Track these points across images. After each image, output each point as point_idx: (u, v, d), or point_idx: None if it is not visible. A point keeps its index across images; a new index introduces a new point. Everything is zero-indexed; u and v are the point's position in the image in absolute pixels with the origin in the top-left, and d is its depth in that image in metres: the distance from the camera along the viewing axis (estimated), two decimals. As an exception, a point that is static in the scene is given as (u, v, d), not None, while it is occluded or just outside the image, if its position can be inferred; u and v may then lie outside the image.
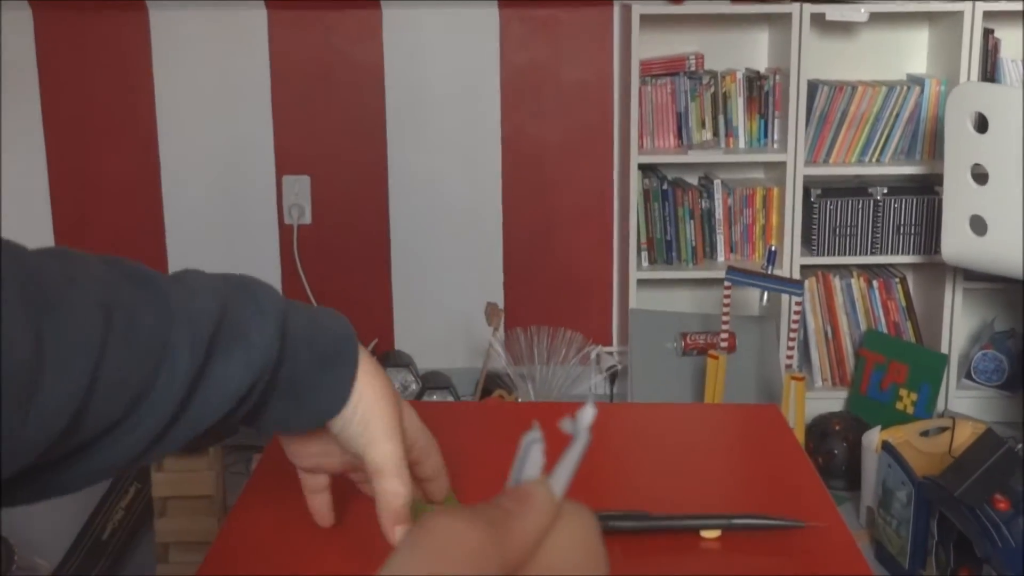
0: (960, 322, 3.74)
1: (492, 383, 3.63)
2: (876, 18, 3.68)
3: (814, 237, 3.74)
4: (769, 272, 3.26)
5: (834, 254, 3.76)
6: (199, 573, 0.79)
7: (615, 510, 0.83)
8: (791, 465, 0.94)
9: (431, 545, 0.42)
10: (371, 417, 0.87)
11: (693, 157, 3.73)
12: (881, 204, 3.72)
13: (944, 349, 3.68)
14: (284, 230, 4.01)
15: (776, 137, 3.74)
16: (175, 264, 3.97)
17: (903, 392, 3.59)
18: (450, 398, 3.67)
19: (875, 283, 3.84)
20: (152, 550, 2.92)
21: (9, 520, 3.13)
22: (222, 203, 4.00)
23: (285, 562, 0.83)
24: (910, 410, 3.55)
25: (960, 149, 3.13)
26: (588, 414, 0.49)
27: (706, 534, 0.82)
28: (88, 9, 3.86)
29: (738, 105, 3.75)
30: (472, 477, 0.95)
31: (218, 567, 0.81)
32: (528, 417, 0.93)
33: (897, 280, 3.85)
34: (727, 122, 3.76)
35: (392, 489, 0.84)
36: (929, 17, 3.81)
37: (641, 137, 3.71)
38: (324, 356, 0.87)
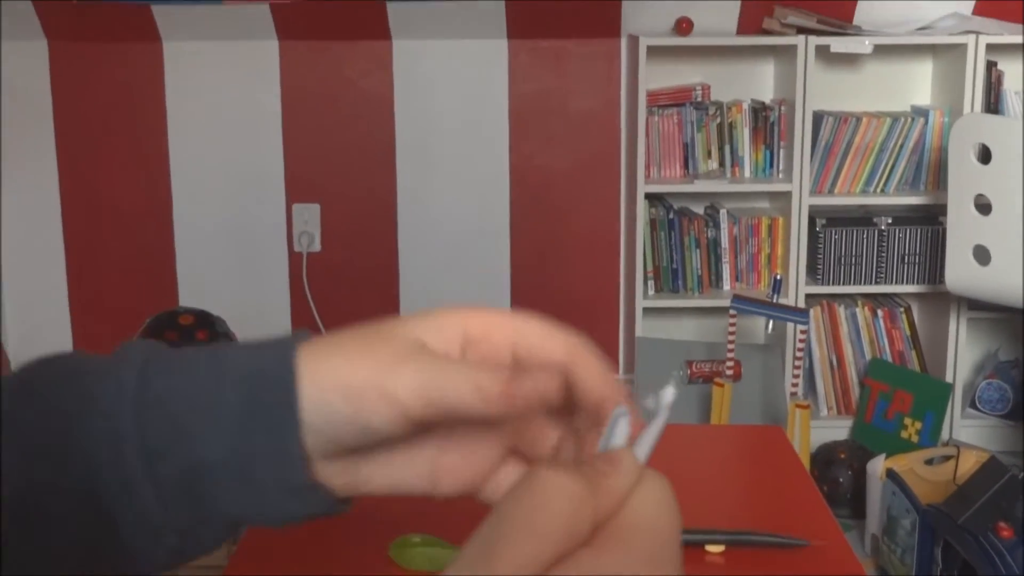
0: (965, 351, 3.74)
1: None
2: (880, 50, 3.70)
3: (819, 266, 3.75)
4: (774, 301, 3.27)
5: (839, 283, 3.76)
6: None
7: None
8: (795, 485, 0.95)
9: (538, 490, 0.47)
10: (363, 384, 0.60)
11: (699, 187, 3.74)
12: (886, 234, 3.72)
13: (949, 378, 3.68)
14: (294, 258, 4.02)
15: (781, 167, 3.75)
16: (185, 292, 4.00)
17: (908, 421, 3.59)
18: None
19: (880, 312, 3.84)
20: None
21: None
22: (233, 231, 4.00)
23: None
24: (915, 439, 3.55)
25: (963, 179, 3.14)
26: (669, 393, 0.53)
27: (711, 549, 0.82)
28: (103, 41, 3.89)
29: (744, 135, 3.75)
30: (473, 506, 0.95)
31: None
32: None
33: (902, 309, 3.84)
34: (733, 152, 3.76)
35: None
36: (933, 49, 3.83)
37: (648, 167, 3.73)
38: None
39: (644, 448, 0.52)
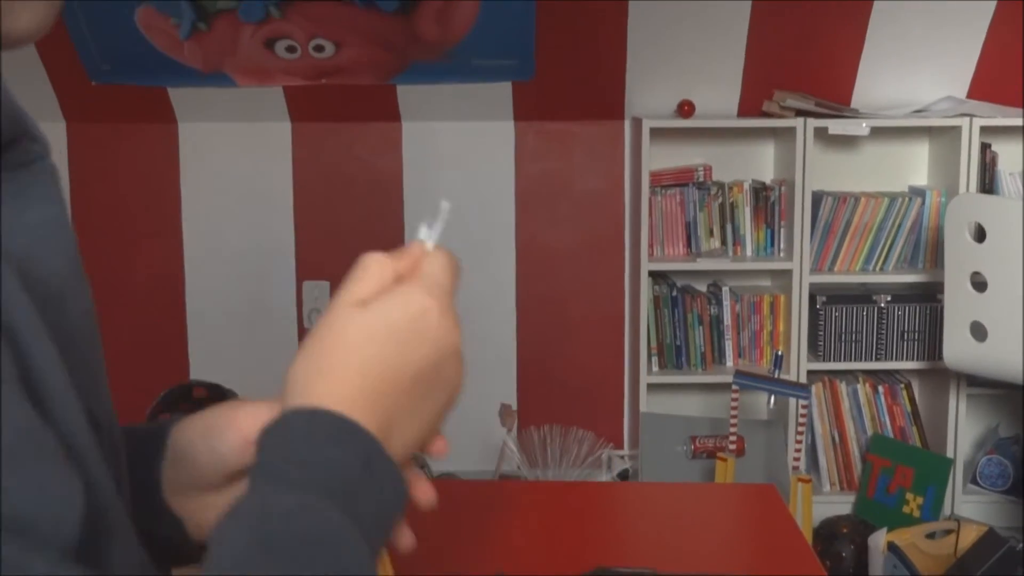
0: (965, 427, 3.73)
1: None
2: (877, 132, 3.74)
3: (820, 343, 3.76)
4: (776, 377, 3.29)
5: (840, 359, 3.77)
6: None
7: (627, 567, 0.88)
8: (785, 537, 0.98)
9: (364, 258, 0.77)
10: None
11: (702, 265, 3.76)
12: (885, 311, 3.75)
13: (950, 454, 3.67)
14: (304, 334, 4.03)
15: (782, 246, 3.78)
16: (196, 366, 4.02)
17: (909, 496, 3.58)
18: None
19: (881, 388, 3.84)
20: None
21: None
22: (244, 307, 4.03)
23: None
24: (916, 513, 3.54)
25: (960, 258, 3.16)
26: (444, 205, 0.81)
27: None
28: (120, 122, 3.96)
29: (745, 215, 3.78)
30: (485, 553, 0.99)
31: None
32: (541, 497, 1.00)
33: (902, 386, 3.85)
34: (735, 231, 3.79)
35: None
36: (929, 132, 3.87)
37: (651, 245, 3.75)
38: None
39: (432, 237, 0.79)
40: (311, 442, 0.68)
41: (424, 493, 0.77)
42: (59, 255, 0.71)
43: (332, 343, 0.72)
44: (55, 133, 3.96)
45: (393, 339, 0.72)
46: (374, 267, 0.75)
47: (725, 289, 3.83)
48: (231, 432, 0.81)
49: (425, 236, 0.78)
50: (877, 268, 3.78)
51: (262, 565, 0.63)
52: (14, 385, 0.58)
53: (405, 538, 0.77)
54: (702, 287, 3.92)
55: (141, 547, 0.73)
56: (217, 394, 2.99)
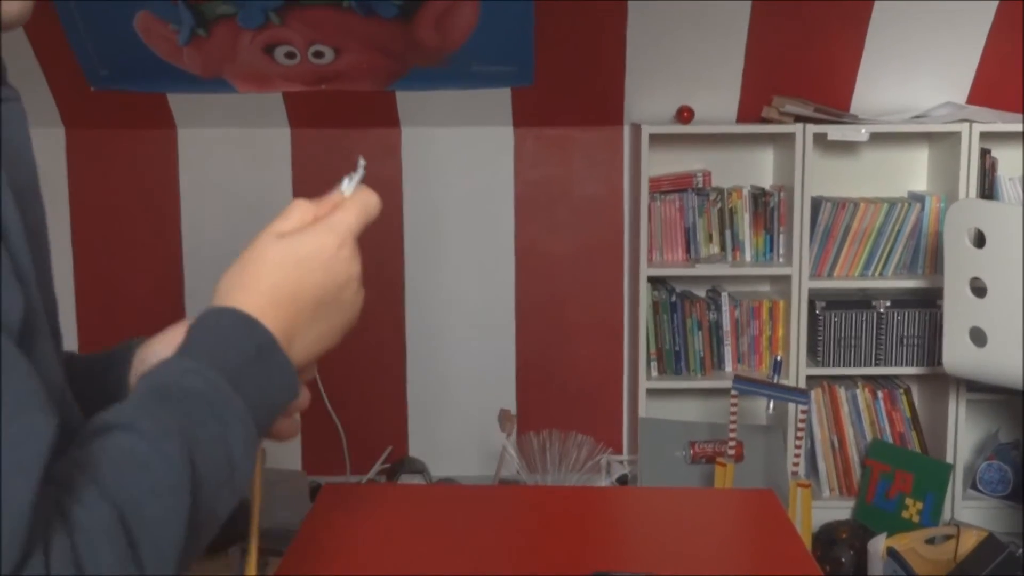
0: (965, 433, 3.73)
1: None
2: (876, 138, 3.74)
3: (819, 348, 3.76)
4: (775, 382, 3.28)
5: (839, 365, 3.77)
6: None
7: (626, 571, 0.88)
8: (784, 542, 0.98)
9: (291, 203, 0.94)
10: None
11: (701, 270, 3.76)
12: (884, 316, 3.74)
13: (949, 459, 3.67)
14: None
15: (781, 251, 3.78)
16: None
17: (909, 501, 3.58)
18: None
19: (880, 394, 3.84)
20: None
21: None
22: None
23: None
24: (916, 519, 3.54)
25: (959, 263, 3.16)
26: (360, 163, 0.95)
27: None
28: (119, 128, 3.96)
29: (744, 220, 3.79)
30: (484, 557, 0.99)
31: None
32: (541, 502, 1.00)
33: (902, 391, 3.85)
34: (734, 236, 3.80)
35: None
36: (928, 137, 3.88)
37: (650, 251, 3.75)
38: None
39: (350, 188, 0.93)
40: (216, 330, 0.85)
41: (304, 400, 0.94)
42: (29, 174, 0.92)
43: (251, 264, 0.90)
44: (54, 139, 3.98)
45: (299, 266, 0.89)
46: (297, 208, 0.92)
47: (724, 294, 3.83)
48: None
49: (345, 187, 0.93)
50: (876, 273, 3.78)
51: (154, 410, 0.77)
52: None
53: (293, 429, 0.96)
54: (701, 292, 3.92)
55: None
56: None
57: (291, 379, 0.86)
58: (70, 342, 4.02)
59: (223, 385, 0.80)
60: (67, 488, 0.69)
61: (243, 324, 0.85)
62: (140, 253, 4.05)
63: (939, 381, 3.73)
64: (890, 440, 3.82)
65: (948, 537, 2.99)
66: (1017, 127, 3.68)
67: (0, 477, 0.63)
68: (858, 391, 3.86)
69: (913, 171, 3.94)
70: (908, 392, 3.86)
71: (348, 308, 0.94)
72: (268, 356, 0.85)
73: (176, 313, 4.04)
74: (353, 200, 0.92)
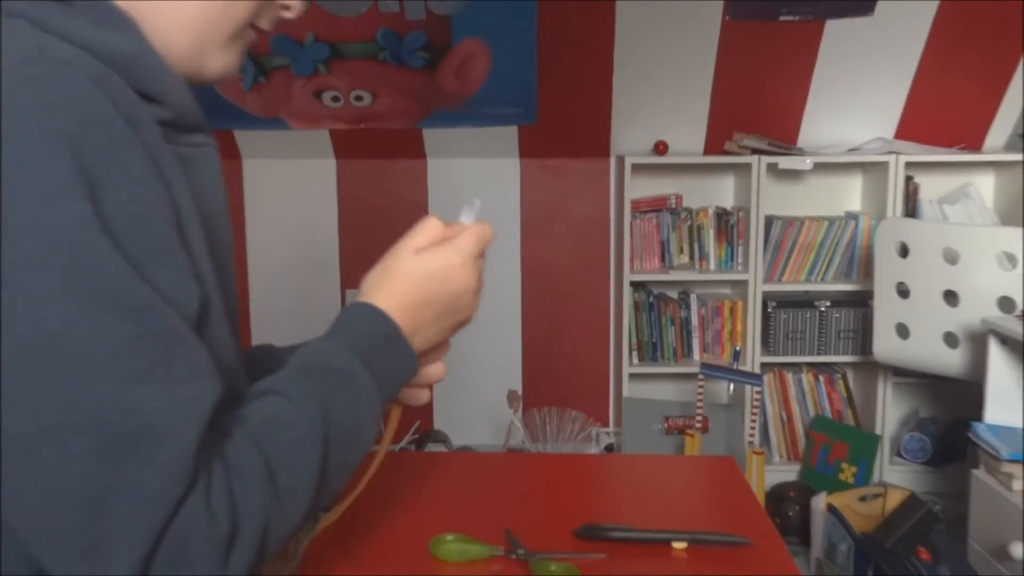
0: (891, 410, 3.73)
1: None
2: (819, 167, 3.74)
3: (771, 340, 3.76)
4: (735, 368, 3.29)
5: (787, 354, 3.76)
6: None
7: (609, 524, 0.88)
8: (741, 500, 0.98)
9: (423, 222, 0.97)
10: None
11: (673, 276, 3.75)
12: (825, 314, 3.74)
13: (878, 431, 3.67)
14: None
15: (740, 260, 3.77)
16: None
17: (845, 466, 3.58)
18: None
19: (821, 378, 3.84)
20: None
21: None
22: (297, 312, 4.02)
23: None
24: (851, 480, 3.54)
25: (887, 270, 3.16)
26: (476, 203, 0.99)
27: (676, 545, 0.86)
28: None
29: (709, 235, 3.78)
30: (495, 511, 0.98)
31: None
32: (541, 467, 1.00)
33: (839, 375, 3.85)
34: (700, 248, 3.78)
35: None
36: (861, 166, 3.87)
37: (632, 260, 3.75)
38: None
39: (471, 218, 0.97)
40: (356, 320, 0.89)
41: (439, 372, 1.01)
42: (217, 203, 0.92)
43: (390, 273, 0.93)
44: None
45: (428, 279, 0.92)
46: (430, 226, 0.95)
47: (692, 296, 3.82)
48: None
49: (466, 218, 0.97)
50: (818, 279, 3.78)
51: (299, 380, 0.81)
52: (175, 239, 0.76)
53: (422, 397, 1.01)
54: (674, 294, 3.91)
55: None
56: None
57: (411, 363, 0.91)
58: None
59: (356, 364, 0.84)
60: (227, 437, 0.73)
61: (377, 317, 0.89)
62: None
63: (870, 367, 3.72)
64: (829, 416, 3.82)
65: (877, 496, 2.98)
66: (936, 158, 3.68)
67: (173, 427, 0.67)
68: (803, 375, 3.85)
69: (849, 194, 3.94)
70: (844, 376, 3.86)
71: (461, 313, 0.97)
72: (394, 343, 0.89)
73: (243, 309, 4.04)
74: (473, 229, 0.95)
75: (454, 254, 0.93)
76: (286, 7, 0.93)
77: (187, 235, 0.78)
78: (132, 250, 0.69)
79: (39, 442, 0.64)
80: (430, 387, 1.03)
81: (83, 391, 0.65)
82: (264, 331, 4.05)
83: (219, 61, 0.89)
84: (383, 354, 0.88)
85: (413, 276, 0.93)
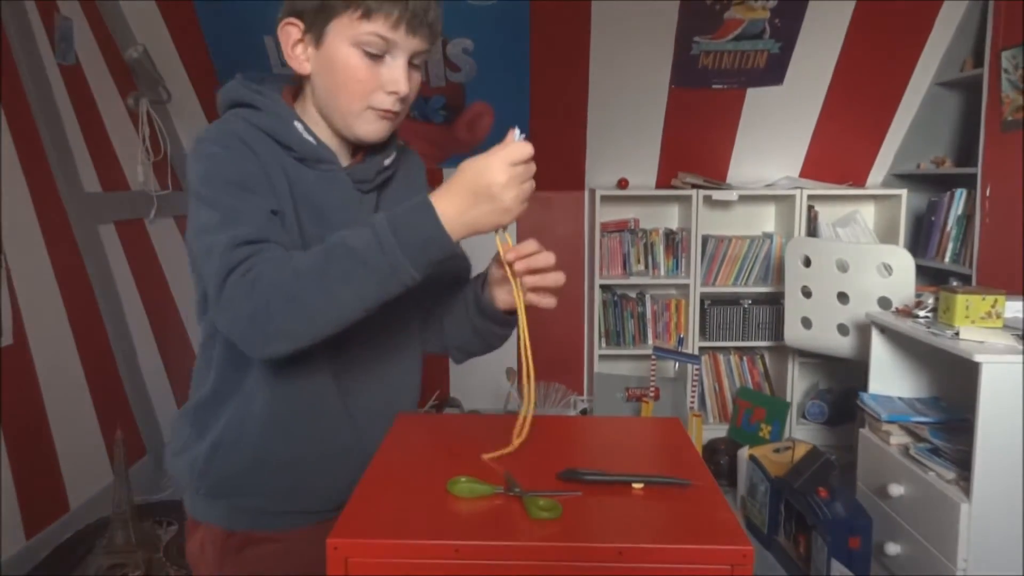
0: (798, 382, 3.74)
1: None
2: (743, 198, 3.76)
3: (707, 329, 3.75)
4: (679, 350, 3.30)
5: (719, 340, 3.76)
6: (331, 536, 0.74)
7: (584, 469, 0.88)
8: (684, 452, 0.98)
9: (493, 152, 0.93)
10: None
11: (633, 280, 3.75)
12: (748, 310, 3.74)
13: (788, 399, 3.68)
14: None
15: (683, 269, 3.76)
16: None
17: (763, 426, 3.58)
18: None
19: (745, 359, 3.84)
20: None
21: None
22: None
23: (391, 530, 0.79)
24: (767, 436, 3.53)
25: (794, 277, 3.17)
26: (518, 132, 0.94)
27: (635, 486, 0.85)
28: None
29: (660, 249, 3.78)
30: (498, 459, 0.98)
31: (344, 532, 0.76)
32: (532, 424, 0.99)
33: (759, 356, 3.85)
34: (653, 259, 3.78)
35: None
36: (775, 198, 3.87)
37: (601, 268, 3.75)
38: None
39: (519, 137, 0.93)
40: (407, 207, 0.91)
41: (559, 279, 1.05)
42: (334, 201, 1.05)
43: (464, 167, 0.92)
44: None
45: (469, 171, 0.91)
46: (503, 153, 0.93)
47: (647, 296, 3.82)
48: None
49: (517, 136, 0.93)
50: (743, 283, 3.77)
51: (322, 249, 0.91)
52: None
53: (549, 302, 1.07)
54: (633, 294, 3.90)
55: None
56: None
57: (440, 231, 0.90)
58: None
59: (386, 228, 0.89)
60: (261, 259, 0.91)
61: (423, 199, 0.91)
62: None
63: (782, 350, 3.73)
64: (751, 387, 3.82)
65: (787, 448, 2.98)
66: (830, 191, 3.68)
67: (220, 247, 0.92)
68: (731, 356, 3.85)
69: (765, 219, 3.94)
70: (762, 357, 3.86)
71: (496, 202, 0.92)
72: (422, 209, 0.90)
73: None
74: (517, 144, 0.93)
75: (491, 155, 0.91)
76: (395, 92, 1.03)
77: (278, 199, 1.00)
78: (234, 184, 0.96)
79: (203, 255, 0.94)
80: (556, 295, 1.04)
81: (207, 238, 0.94)
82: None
83: (360, 126, 1.05)
84: (411, 215, 0.90)
85: (461, 171, 0.92)
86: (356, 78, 1.01)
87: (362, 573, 0.73)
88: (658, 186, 3.87)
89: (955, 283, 2.99)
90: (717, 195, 3.64)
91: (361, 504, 0.79)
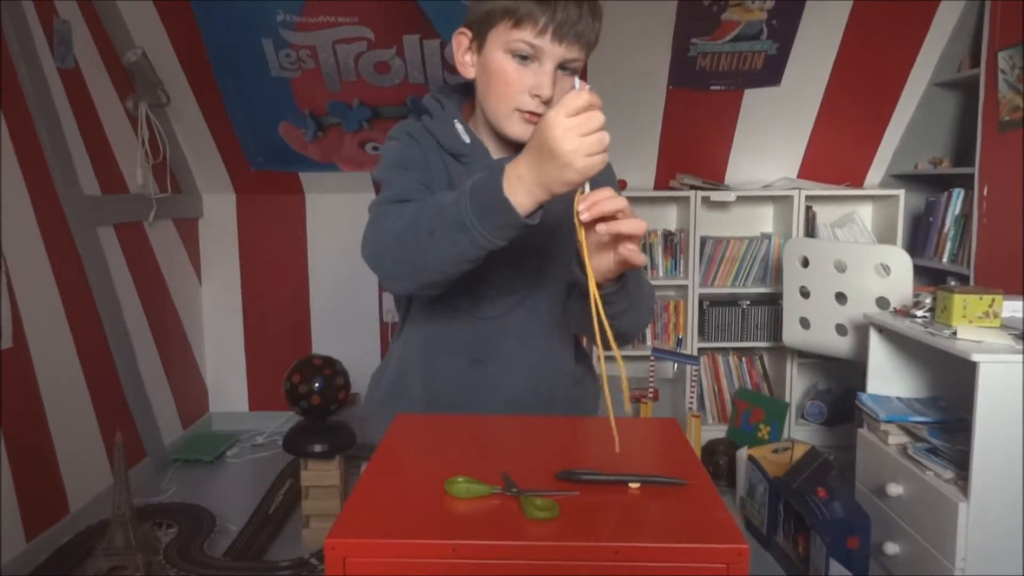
0: (797, 383, 3.74)
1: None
2: (741, 199, 3.76)
3: (706, 330, 3.75)
4: (678, 351, 3.30)
5: (718, 341, 3.76)
6: (329, 536, 0.76)
7: (582, 469, 0.88)
8: (681, 453, 0.98)
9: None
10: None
11: (631, 282, 3.75)
12: (746, 311, 3.74)
13: (787, 399, 3.68)
14: (383, 326, 4.05)
15: (682, 270, 3.76)
16: (316, 345, 4.01)
17: (762, 426, 3.59)
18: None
19: (744, 359, 3.84)
20: (300, 520, 2.92)
21: (209, 499, 3.15)
22: (346, 309, 4.03)
23: (389, 530, 0.80)
24: (766, 437, 3.54)
25: (792, 277, 3.18)
26: (578, 82, 0.96)
27: (632, 485, 0.86)
28: (268, 194, 3.97)
29: (659, 250, 3.77)
30: (497, 460, 0.98)
31: (342, 532, 0.77)
32: (533, 426, 0.99)
33: (757, 357, 3.85)
34: (652, 260, 3.78)
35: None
36: (773, 198, 3.87)
37: (600, 270, 3.75)
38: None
39: (579, 86, 0.91)
40: (486, 175, 0.95)
41: (640, 226, 0.99)
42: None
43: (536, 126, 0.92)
44: (229, 201, 3.98)
45: (539, 127, 0.90)
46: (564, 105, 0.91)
47: (646, 297, 3.81)
48: None
49: (576, 86, 0.94)
50: (741, 284, 3.77)
51: (420, 204, 1.02)
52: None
53: (640, 258, 1.00)
54: (632, 296, 3.90)
55: None
56: (329, 362, 2.98)
57: (499, 194, 0.91)
58: (238, 326, 4.02)
59: (468, 188, 0.94)
60: (391, 208, 1.06)
61: (501, 162, 0.97)
62: (282, 273, 4.04)
63: (780, 351, 3.73)
64: (750, 387, 3.82)
65: (786, 448, 2.98)
66: (828, 192, 3.68)
67: (376, 206, 1.10)
68: (730, 357, 3.85)
69: (763, 219, 3.94)
70: (761, 358, 3.86)
71: (556, 160, 0.89)
72: (497, 173, 0.92)
73: (304, 310, 4.04)
74: (570, 94, 0.89)
75: (548, 112, 0.90)
76: (539, 96, 1.09)
77: (432, 180, 1.14)
78: (397, 164, 1.14)
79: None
80: (636, 244, 0.99)
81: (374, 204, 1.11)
82: (321, 325, 4.05)
83: (509, 127, 1.12)
84: (488, 178, 0.93)
85: (534, 130, 0.92)
86: (504, 81, 1.10)
87: (360, 573, 0.74)
88: (656, 187, 3.87)
89: (953, 283, 3.00)
90: (715, 196, 3.64)
91: (359, 504, 0.80)
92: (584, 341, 1.36)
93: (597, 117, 0.89)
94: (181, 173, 3.79)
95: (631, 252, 0.97)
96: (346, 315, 4.03)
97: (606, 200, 0.95)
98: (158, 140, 3.53)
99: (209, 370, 4.07)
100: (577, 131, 0.88)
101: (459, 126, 1.18)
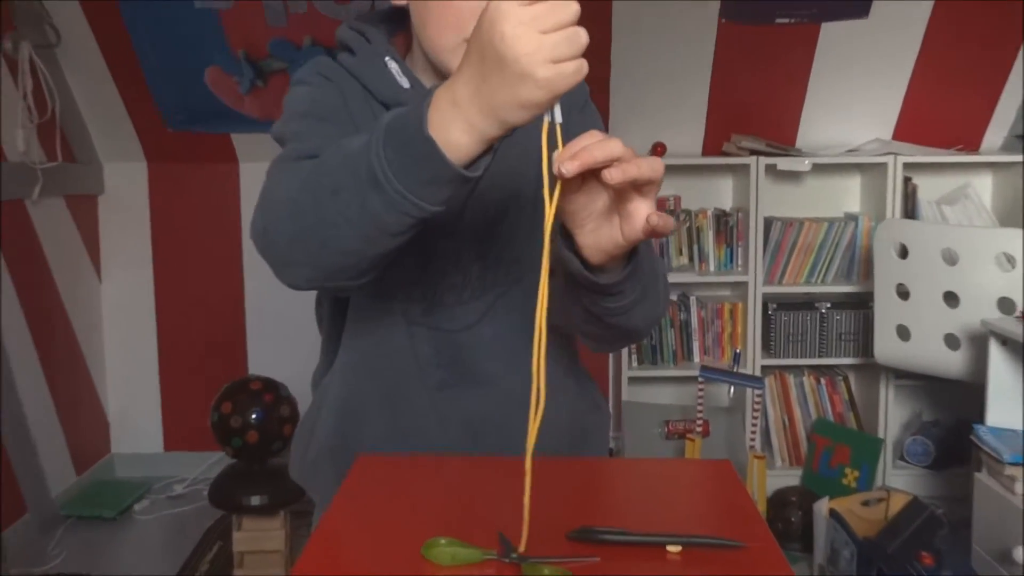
0: (893, 412, 3.73)
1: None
2: (817, 168, 3.76)
3: (772, 342, 3.76)
4: (735, 370, 3.29)
5: (788, 356, 3.76)
6: None
7: (604, 527, 0.88)
8: (737, 504, 0.98)
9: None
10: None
11: (673, 278, 3.73)
12: (826, 316, 3.74)
13: (881, 435, 3.67)
14: (343, 337, 4.05)
15: (739, 262, 3.78)
16: (253, 364, 4.02)
17: (847, 470, 3.58)
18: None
19: (823, 380, 3.84)
20: (233, 596, 2.92)
21: (111, 568, 3.15)
22: (290, 316, 4.01)
23: None
24: (853, 485, 3.54)
25: (887, 272, 3.17)
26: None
27: (670, 548, 0.85)
28: (191, 162, 3.97)
29: (709, 237, 3.78)
30: (490, 514, 0.98)
31: None
32: (537, 470, 0.99)
33: (841, 378, 3.85)
34: (700, 250, 3.79)
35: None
36: (860, 167, 3.88)
37: (631, 262, 3.75)
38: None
39: None
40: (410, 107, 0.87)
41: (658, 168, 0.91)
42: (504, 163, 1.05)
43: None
44: (138, 172, 3.98)
45: (481, 21, 0.79)
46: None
47: (692, 298, 3.83)
48: None
49: None
50: (818, 280, 3.78)
51: (330, 151, 0.95)
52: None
53: (666, 224, 0.88)
54: (673, 296, 3.90)
55: None
56: (269, 386, 2.99)
57: (422, 129, 0.82)
58: (150, 338, 4.02)
59: (383, 125, 0.86)
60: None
61: (436, 84, 0.87)
62: (208, 267, 4.05)
63: (871, 369, 3.73)
64: (831, 419, 3.82)
65: (880, 500, 2.97)
66: (934, 159, 3.68)
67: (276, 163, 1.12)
68: (804, 378, 3.85)
69: (848, 195, 3.94)
70: (846, 379, 3.86)
71: (512, 65, 0.77)
72: (421, 103, 0.84)
73: (238, 316, 4.05)
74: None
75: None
76: None
77: (357, 126, 1.12)
78: (308, 114, 1.15)
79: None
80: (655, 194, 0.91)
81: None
82: (258, 338, 4.05)
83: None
84: (412, 110, 0.84)
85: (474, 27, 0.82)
86: (448, 3, 1.06)
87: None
88: (705, 153, 3.88)
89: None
90: (783, 164, 3.64)
91: None
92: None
93: (567, 5, 0.77)
94: (75, 136, 3.79)
95: (662, 218, 0.86)
96: (293, 324, 4.01)
97: (597, 145, 0.85)
98: (45, 93, 3.53)
99: (111, 398, 4.07)
100: (536, 25, 0.76)
101: (393, 65, 1.15)
